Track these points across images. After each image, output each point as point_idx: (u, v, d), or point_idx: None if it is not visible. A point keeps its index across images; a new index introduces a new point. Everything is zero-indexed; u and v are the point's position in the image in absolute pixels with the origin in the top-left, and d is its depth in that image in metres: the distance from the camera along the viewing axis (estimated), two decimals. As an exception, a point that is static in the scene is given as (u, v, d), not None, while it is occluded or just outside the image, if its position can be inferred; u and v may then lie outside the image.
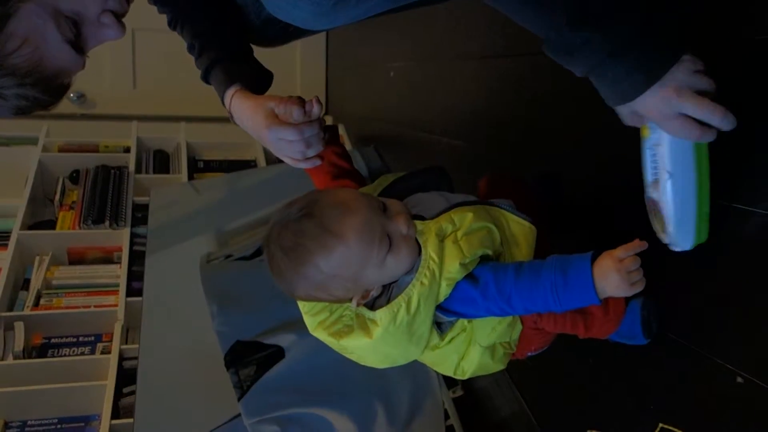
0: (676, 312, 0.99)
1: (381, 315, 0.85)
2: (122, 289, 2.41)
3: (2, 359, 2.20)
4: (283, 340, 1.67)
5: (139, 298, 2.18)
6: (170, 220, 2.40)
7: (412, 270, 0.85)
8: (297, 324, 1.31)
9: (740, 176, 0.84)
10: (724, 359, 0.88)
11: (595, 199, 1.19)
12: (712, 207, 0.82)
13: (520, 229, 0.91)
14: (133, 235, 2.57)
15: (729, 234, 0.85)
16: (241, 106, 0.99)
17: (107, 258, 2.59)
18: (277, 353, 1.67)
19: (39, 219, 2.66)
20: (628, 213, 1.03)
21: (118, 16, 0.87)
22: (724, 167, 0.81)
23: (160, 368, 1.86)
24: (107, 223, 2.56)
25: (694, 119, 0.74)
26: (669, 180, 0.79)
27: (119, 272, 2.48)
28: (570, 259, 0.81)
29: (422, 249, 0.85)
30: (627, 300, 0.99)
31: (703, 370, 0.91)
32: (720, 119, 0.73)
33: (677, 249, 0.84)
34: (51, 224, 2.61)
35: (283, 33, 1.10)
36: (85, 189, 2.68)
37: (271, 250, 0.85)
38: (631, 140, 0.84)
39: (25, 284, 2.44)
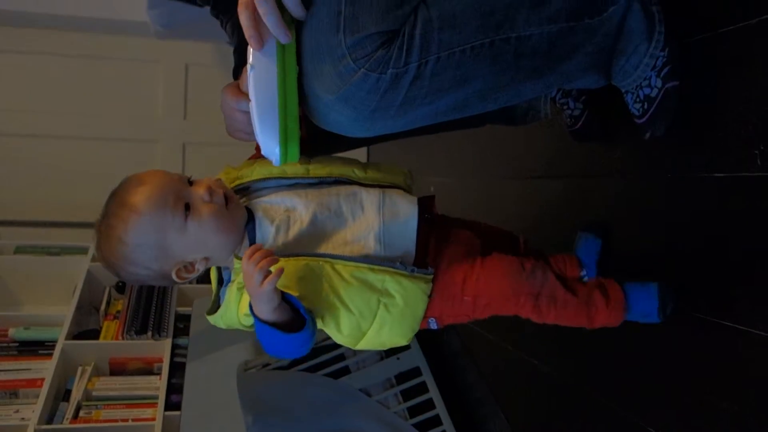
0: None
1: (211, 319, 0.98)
2: (161, 401, 2.39)
3: (39, 474, 2.17)
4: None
5: (177, 413, 2.15)
6: (210, 327, 2.41)
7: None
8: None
9: None
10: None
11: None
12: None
13: (346, 275, 0.91)
14: (174, 346, 2.58)
15: None
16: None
17: (148, 369, 2.59)
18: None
19: (84, 328, 2.70)
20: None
21: None
22: None
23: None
24: (150, 333, 2.58)
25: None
26: (251, 72, 0.79)
27: (159, 384, 2.47)
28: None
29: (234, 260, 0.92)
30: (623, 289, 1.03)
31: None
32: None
33: (269, 155, 0.84)
34: (95, 333, 2.64)
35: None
36: (130, 299, 2.73)
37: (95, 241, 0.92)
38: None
39: (66, 395, 2.44)
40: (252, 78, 0.79)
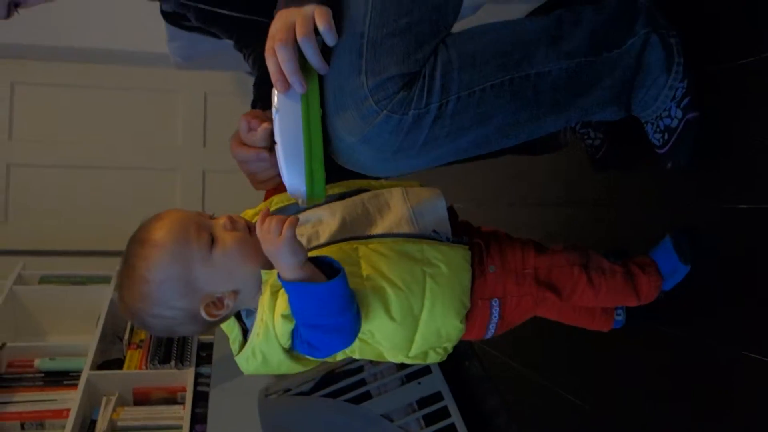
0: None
1: (239, 360, 0.90)
2: (185, 431, 2.40)
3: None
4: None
5: (201, 442, 2.16)
6: (232, 354, 2.42)
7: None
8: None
9: None
10: None
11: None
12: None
13: (383, 250, 0.88)
14: (197, 375, 2.59)
15: None
16: None
17: (171, 398, 2.60)
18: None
19: (108, 357, 2.72)
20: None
21: None
22: None
23: None
24: (173, 362, 2.60)
25: None
26: (276, 115, 0.79)
27: (182, 413, 2.48)
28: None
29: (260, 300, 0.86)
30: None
31: None
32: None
33: (296, 195, 0.82)
34: (119, 363, 2.66)
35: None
36: (153, 327, 2.75)
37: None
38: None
39: (92, 425, 2.45)
40: (278, 121, 0.80)
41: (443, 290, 0.88)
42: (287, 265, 0.77)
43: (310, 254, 0.80)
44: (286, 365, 0.88)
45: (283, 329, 0.82)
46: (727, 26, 0.99)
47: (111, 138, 3.38)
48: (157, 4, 1.24)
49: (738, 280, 0.98)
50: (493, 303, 0.96)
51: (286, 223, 0.75)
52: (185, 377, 2.59)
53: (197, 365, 2.62)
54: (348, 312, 0.80)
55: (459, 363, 2.23)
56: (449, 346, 0.95)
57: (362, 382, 2.26)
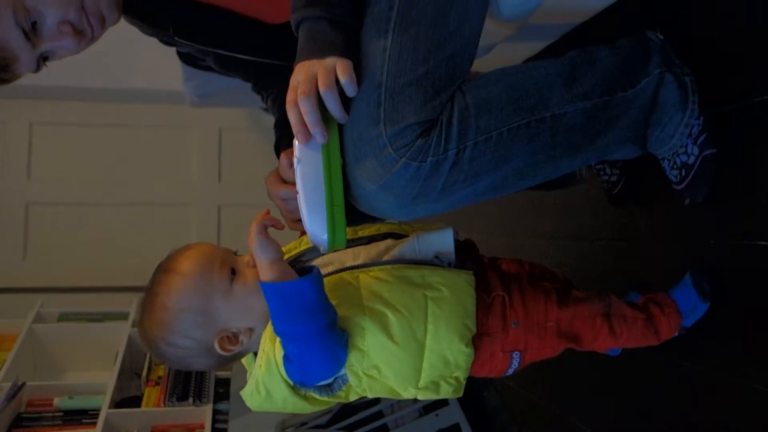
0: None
1: (244, 395, 0.91)
2: (203, 469, 2.39)
3: None
4: None
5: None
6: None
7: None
8: None
9: None
10: None
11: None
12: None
13: (384, 276, 0.88)
14: (215, 412, 2.59)
15: None
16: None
17: (189, 436, 2.60)
18: None
19: (126, 395, 2.72)
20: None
21: (77, 30, 0.98)
22: None
23: None
24: (191, 400, 2.59)
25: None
26: (298, 165, 0.80)
27: (201, 451, 2.47)
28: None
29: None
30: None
31: None
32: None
33: (317, 243, 0.82)
34: (137, 400, 2.66)
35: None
36: (170, 364, 2.75)
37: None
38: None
39: (111, 465, 2.45)
40: (299, 171, 0.81)
41: (446, 314, 0.88)
42: (260, 263, 0.79)
43: None
44: (291, 402, 0.88)
45: (279, 355, 0.83)
46: (745, 64, 0.99)
47: (127, 175, 3.43)
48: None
49: (758, 316, 0.97)
50: (514, 355, 0.97)
51: (254, 221, 0.79)
52: (203, 414, 2.58)
53: (215, 402, 2.62)
54: (320, 316, 0.79)
55: (477, 394, 2.21)
56: (460, 375, 0.92)
57: (380, 414, 2.24)
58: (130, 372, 2.85)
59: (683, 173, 1.02)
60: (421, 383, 0.89)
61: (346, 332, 0.84)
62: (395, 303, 0.86)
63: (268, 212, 0.82)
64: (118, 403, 2.64)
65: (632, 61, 0.94)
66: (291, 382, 0.86)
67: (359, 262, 0.92)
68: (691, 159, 1.00)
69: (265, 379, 0.87)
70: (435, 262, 0.92)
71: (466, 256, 0.98)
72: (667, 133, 0.97)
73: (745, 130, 0.99)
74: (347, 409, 2.34)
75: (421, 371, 0.88)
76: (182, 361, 0.92)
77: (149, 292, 0.88)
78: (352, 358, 0.85)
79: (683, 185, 1.03)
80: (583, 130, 0.89)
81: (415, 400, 2.25)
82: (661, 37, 0.97)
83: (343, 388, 0.89)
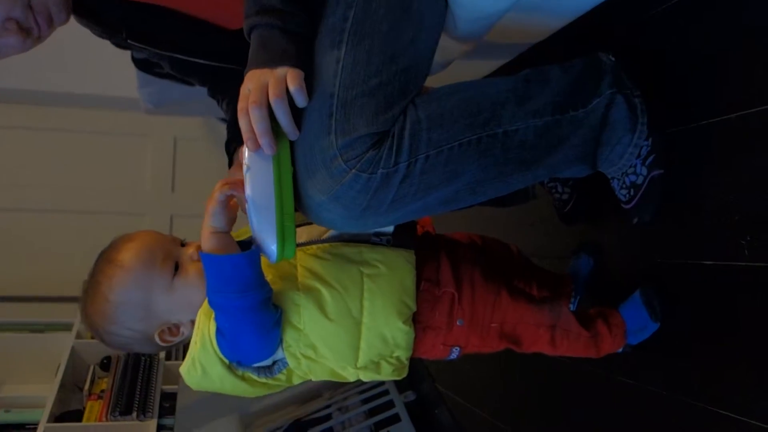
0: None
1: (182, 371, 0.90)
2: (146, 487, 2.32)
3: None
4: None
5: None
6: (196, 402, 2.38)
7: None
8: None
9: None
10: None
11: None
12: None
13: (320, 253, 0.89)
14: (159, 427, 2.51)
15: None
16: None
17: (132, 452, 2.52)
18: None
19: (67, 408, 2.62)
20: None
21: (23, 28, 0.95)
22: None
23: None
24: (135, 414, 2.51)
25: None
26: (247, 173, 0.79)
27: (143, 467, 2.40)
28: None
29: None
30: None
31: None
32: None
33: (267, 256, 0.80)
34: (78, 414, 2.56)
35: None
36: (115, 377, 2.67)
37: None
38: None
39: (47, 482, 2.36)
40: (248, 179, 0.79)
41: (382, 290, 0.88)
42: (206, 230, 0.79)
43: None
44: (230, 382, 0.88)
45: (213, 331, 0.83)
46: (693, 87, 1.02)
47: (77, 182, 3.33)
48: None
49: (707, 334, 0.98)
50: (454, 350, 0.98)
51: (222, 184, 0.79)
52: (147, 429, 2.50)
53: (160, 416, 2.54)
54: (254, 293, 0.79)
55: (428, 411, 2.20)
56: (401, 355, 0.92)
57: (328, 417, 2.23)
58: (72, 385, 2.75)
59: (632, 193, 1.04)
60: (360, 362, 0.89)
61: (281, 308, 0.85)
62: (330, 279, 0.87)
63: (241, 183, 0.80)
64: (58, 417, 2.54)
65: (584, 82, 0.95)
66: (226, 361, 0.86)
67: (301, 240, 0.91)
68: (640, 179, 1.02)
69: (201, 355, 0.87)
70: (374, 240, 0.93)
71: (410, 235, 0.97)
72: (617, 153, 0.98)
73: (692, 152, 1.01)
74: (298, 425, 2.32)
75: (358, 350, 0.88)
76: (124, 348, 0.94)
77: (92, 280, 0.89)
78: (289, 337, 0.85)
79: (632, 204, 1.05)
80: (534, 148, 0.90)
81: (366, 417, 2.23)
82: (613, 59, 0.99)
83: (284, 371, 0.89)
